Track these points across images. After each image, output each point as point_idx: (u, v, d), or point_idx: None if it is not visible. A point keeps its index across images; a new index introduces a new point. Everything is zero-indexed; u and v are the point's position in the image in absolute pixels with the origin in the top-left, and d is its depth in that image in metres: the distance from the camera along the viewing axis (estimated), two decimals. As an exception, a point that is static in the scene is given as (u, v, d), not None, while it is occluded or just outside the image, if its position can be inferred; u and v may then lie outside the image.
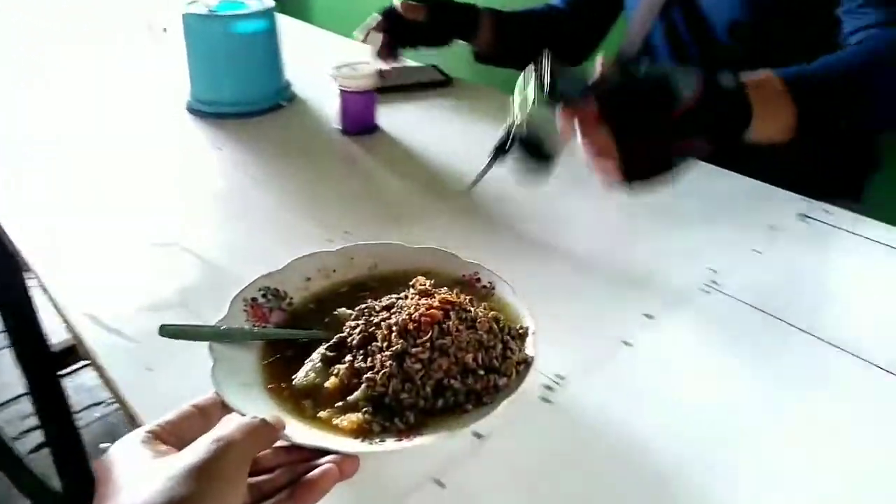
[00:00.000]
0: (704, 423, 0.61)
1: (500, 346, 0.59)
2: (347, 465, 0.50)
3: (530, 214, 0.94)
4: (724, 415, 0.62)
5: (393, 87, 1.39)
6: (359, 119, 1.21)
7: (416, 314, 0.59)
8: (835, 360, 0.67)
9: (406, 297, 0.63)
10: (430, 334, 0.57)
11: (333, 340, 0.62)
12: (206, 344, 0.59)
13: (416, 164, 1.11)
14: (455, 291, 0.64)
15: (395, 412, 0.55)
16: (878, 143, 1.23)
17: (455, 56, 1.45)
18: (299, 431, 0.53)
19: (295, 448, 0.51)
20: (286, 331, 0.64)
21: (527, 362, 0.59)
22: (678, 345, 0.71)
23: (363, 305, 0.64)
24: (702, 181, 0.99)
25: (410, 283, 0.65)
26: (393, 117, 1.25)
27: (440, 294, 0.62)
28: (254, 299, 0.67)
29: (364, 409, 0.55)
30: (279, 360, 0.62)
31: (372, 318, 0.62)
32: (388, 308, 0.63)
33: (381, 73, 1.29)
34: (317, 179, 1.07)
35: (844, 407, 0.63)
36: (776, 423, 0.61)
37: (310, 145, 1.19)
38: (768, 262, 0.84)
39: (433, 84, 1.45)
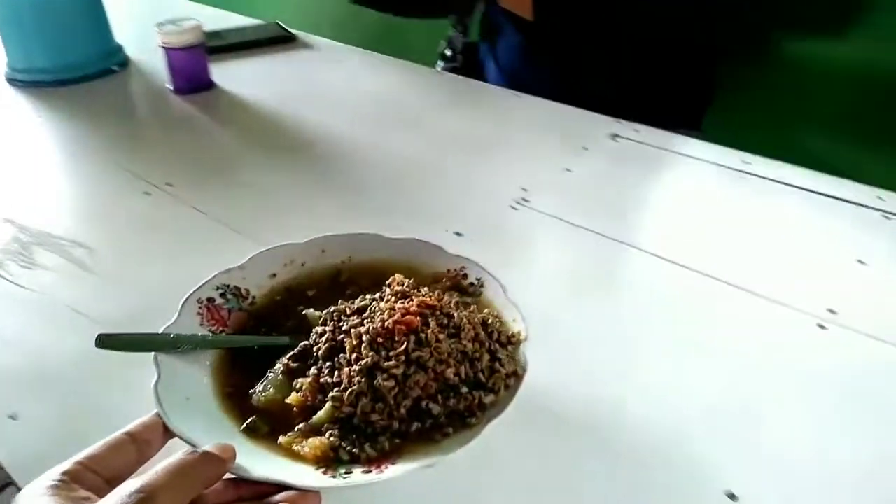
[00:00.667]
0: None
1: (486, 356, 0.52)
2: (309, 501, 0.42)
3: (357, 157, 0.98)
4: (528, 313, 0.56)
5: (231, 46, 1.35)
6: (189, 77, 1.17)
7: (390, 320, 0.51)
8: (641, 262, 0.74)
9: (381, 298, 0.56)
10: (405, 345, 0.50)
11: (298, 349, 0.54)
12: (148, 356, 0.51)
13: (251, 119, 1.10)
14: (437, 292, 0.56)
15: (365, 436, 0.48)
16: (716, 74, 1.28)
17: (303, 13, 1.39)
18: (253, 461, 0.45)
19: (248, 481, 0.44)
20: (244, 337, 0.57)
21: (517, 375, 0.51)
22: (488, 260, 0.67)
23: (333, 308, 0.57)
24: (520, 109, 1.12)
25: (387, 283, 0.57)
26: (231, 75, 1.24)
27: (419, 296, 0.54)
28: (210, 300, 0.59)
29: (329, 433, 0.48)
30: (237, 371, 0.54)
31: (341, 324, 0.54)
32: (359, 312, 0.55)
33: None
34: (144, 139, 1.04)
35: (651, 303, 0.69)
36: (584, 322, 0.66)
37: (141, 108, 1.16)
38: (578, 179, 0.91)
39: (275, 41, 1.40)
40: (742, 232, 0.80)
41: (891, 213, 0.82)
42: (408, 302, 0.53)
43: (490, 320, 0.56)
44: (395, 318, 0.51)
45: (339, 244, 0.66)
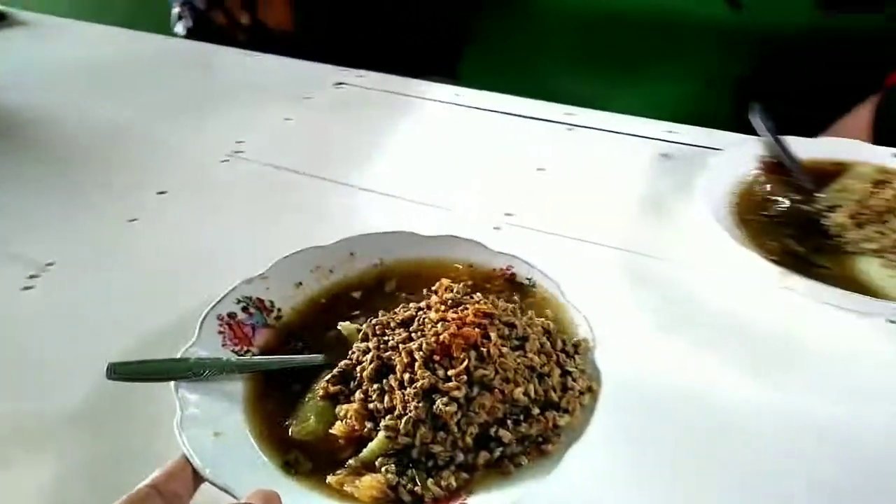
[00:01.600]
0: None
1: (557, 370, 0.45)
2: None
3: (65, 133, 0.93)
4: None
5: None
6: None
7: (446, 334, 0.44)
8: (358, 199, 0.77)
9: (429, 307, 0.49)
10: (465, 362, 0.43)
11: (337, 369, 0.47)
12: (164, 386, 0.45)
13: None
14: (491, 298, 0.50)
15: (426, 471, 0.41)
16: (469, 19, 1.29)
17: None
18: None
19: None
20: (275, 358, 0.50)
21: (591, 390, 0.45)
22: (190, 216, 0.74)
23: (374, 320, 0.50)
24: (247, 67, 1.12)
25: (433, 289, 0.51)
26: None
27: (473, 303, 0.48)
28: (231, 315, 0.52)
29: (385, 468, 0.41)
30: (270, 398, 0.48)
31: (387, 339, 0.48)
32: (405, 324, 0.49)
33: None
34: None
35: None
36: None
37: None
38: (299, 128, 0.92)
39: None
40: (443, 156, 0.86)
41: (576, 125, 0.90)
42: (462, 311, 0.47)
43: (552, 327, 0.50)
44: (451, 330, 0.45)
45: (370, 245, 0.59)
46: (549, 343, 0.47)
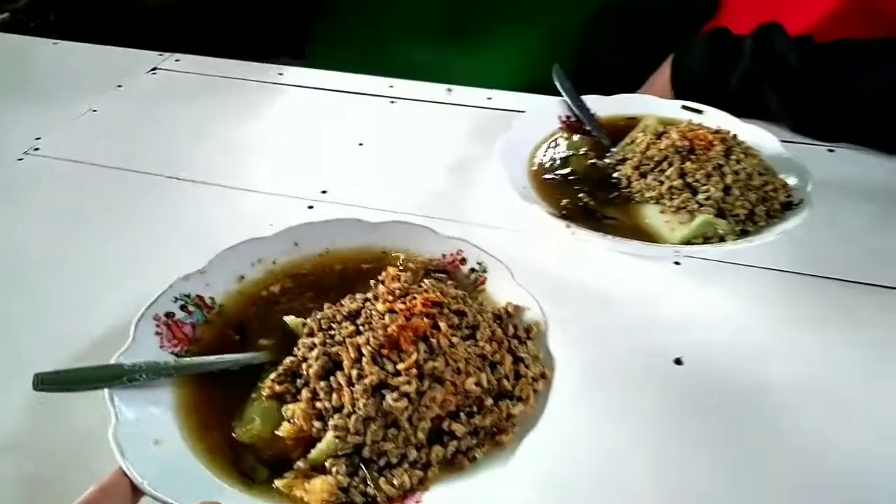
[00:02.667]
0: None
1: (509, 358, 0.44)
2: None
3: None
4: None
5: None
6: None
7: (393, 326, 0.43)
8: (178, 191, 0.74)
9: (375, 298, 0.47)
10: (415, 355, 0.42)
11: (282, 367, 0.45)
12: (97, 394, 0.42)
13: None
14: (440, 286, 0.48)
15: (378, 470, 0.40)
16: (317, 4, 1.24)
17: None
18: None
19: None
20: (214, 358, 0.48)
21: (544, 376, 0.44)
22: None
23: (319, 314, 0.48)
24: (52, 56, 1.04)
25: (380, 278, 0.49)
26: None
27: (421, 292, 0.46)
28: (169, 314, 0.50)
29: (335, 469, 0.40)
30: (212, 400, 0.45)
31: (333, 333, 0.46)
32: (352, 317, 0.47)
33: None
34: None
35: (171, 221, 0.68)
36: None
37: None
38: (105, 119, 0.87)
39: None
40: (261, 138, 0.84)
41: (397, 97, 0.91)
42: (410, 300, 0.45)
43: (502, 312, 0.48)
44: (399, 322, 0.43)
45: (314, 234, 0.57)
46: (500, 330, 0.46)
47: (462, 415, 0.41)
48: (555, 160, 0.72)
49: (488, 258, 0.54)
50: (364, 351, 0.43)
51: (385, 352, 0.42)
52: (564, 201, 0.65)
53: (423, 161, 0.78)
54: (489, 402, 0.42)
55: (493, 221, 0.68)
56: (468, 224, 0.67)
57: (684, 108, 0.77)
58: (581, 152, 0.72)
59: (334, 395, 0.42)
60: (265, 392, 0.44)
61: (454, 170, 0.77)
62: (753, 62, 0.80)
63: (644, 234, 0.62)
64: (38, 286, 0.61)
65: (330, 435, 0.41)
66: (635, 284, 0.61)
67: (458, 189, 0.74)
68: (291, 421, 0.42)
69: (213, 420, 0.44)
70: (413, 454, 0.40)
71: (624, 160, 0.69)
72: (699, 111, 0.76)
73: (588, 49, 1.05)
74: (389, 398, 0.40)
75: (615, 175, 0.69)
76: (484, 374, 0.43)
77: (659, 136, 0.69)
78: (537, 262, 0.62)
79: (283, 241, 0.56)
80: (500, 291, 0.52)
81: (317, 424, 0.42)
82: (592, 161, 0.71)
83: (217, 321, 0.51)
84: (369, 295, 0.48)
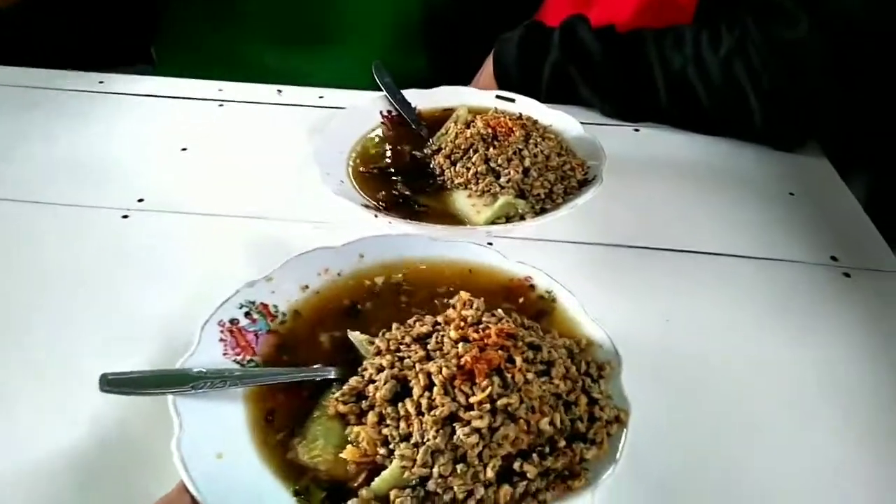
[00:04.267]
0: None
1: (584, 398, 0.43)
2: None
3: None
4: None
5: None
6: None
7: (468, 357, 0.41)
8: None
9: (446, 322, 0.46)
10: (488, 389, 0.40)
11: (348, 386, 0.44)
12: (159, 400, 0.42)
13: None
14: (514, 316, 0.47)
15: (443, 505, 0.39)
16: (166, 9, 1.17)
17: None
18: None
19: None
20: (284, 370, 0.47)
21: (619, 420, 0.42)
22: None
23: (387, 334, 0.47)
24: None
25: (451, 303, 0.48)
26: None
27: (495, 322, 0.45)
28: (234, 321, 0.49)
29: (400, 502, 0.38)
30: (276, 414, 0.44)
31: (402, 356, 0.45)
32: (421, 341, 0.46)
33: None
34: None
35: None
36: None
37: None
38: None
39: None
40: (79, 150, 0.79)
41: (226, 100, 0.89)
42: (483, 330, 0.44)
43: (575, 348, 0.47)
44: (473, 353, 0.42)
45: (380, 248, 0.56)
46: (574, 367, 0.44)
47: (534, 455, 0.40)
48: (374, 154, 0.74)
49: (558, 287, 0.52)
50: (435, 380, 0.41)
51: (457, 383, 0.41)
52: (381, 193, 0.67)
53: (248, 163, 0.78)
54: (562, 443, 0.41)
55: (314, 217, 0.68)
56: (282, 221, 0.68)
57: (498, 97, 0.82)
58: (401, 145, 0.76)
59: (402, 423, 0.41)
60: (329, 410, 0.43)
61: (280, 169, 0.76)
62: (561, 53, 0.87)
63: (454, 219, 0.65)
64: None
65: (396, 464, 0.39)
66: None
67: (282, 188, 0.73)
68: (356, 444, 0.41)
69: (277, 436, 0.43)
70: (480, 492, 0.39)
71: (438, 150, 0.72)
72: (511, 100, 0.81)
73: (431, 41, 1.09)
74: (460, 432, 0.39)
75: (431, 165, 0.71)
76: (558, 414, 0.41)
77: (468, 125, 0.72)
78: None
79: (350, 252, 0.55)
80: (569, 323, 0.50)
81: (382, 451, 0.41)
82: (410, 153, 0.74)
83: (280, 330, 0.50)
84: (440, 319, 0.47)
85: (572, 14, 0.90)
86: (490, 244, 0.58)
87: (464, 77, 0.93)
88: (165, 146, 0.81)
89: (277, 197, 0.72)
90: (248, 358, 0.48)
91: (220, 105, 0.89)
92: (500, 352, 0.42)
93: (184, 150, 0.80)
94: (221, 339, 0.47)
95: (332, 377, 0.46)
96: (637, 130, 0.87)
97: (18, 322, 0.57)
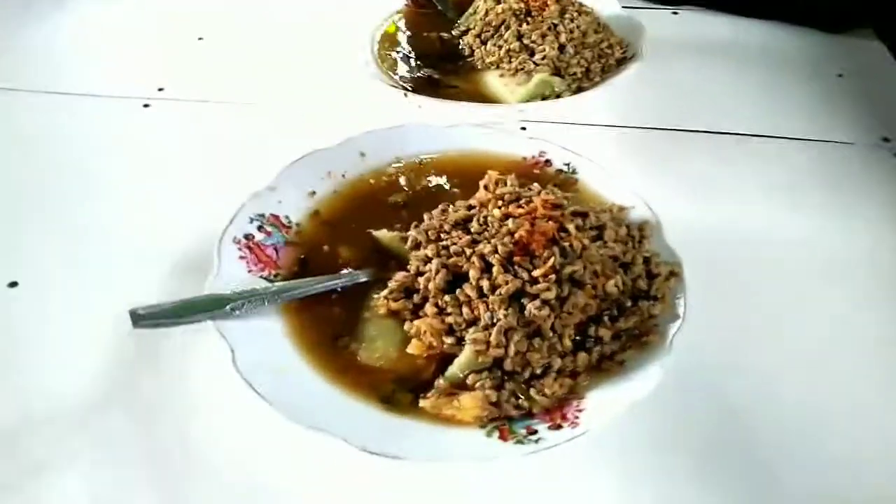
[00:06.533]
0: None
1: (639, 258, 0.42)
2: None
3: None
4: None
5: None
6: None
7: (521, 231, 0.40)
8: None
9: (482, 204, 0.44)
10: (551, 259, 0.39)
11: (395, 283, 0.42)
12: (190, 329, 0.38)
13: None
14: (549, 187, 0.45)
15: (524, 382, 0.38)
16: None
17: None
18: (409, 443, 0.35)
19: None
20: (318, 279, 0.44)
21: (674, 273, 0.42)
22: None
23: (422, 225, 0.45)
24: None
25: (483, 183, 0.46)
26: None
27: (536, 194, 0.43)
28: (248, 236, 0.45)
29: (481, 384, 0.37)
30: (318, 324, 0.42)
31: (445, 244, 0.42)
32: (462, 225, 0.43)
33: None
34: None
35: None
36: None
37: None
38: None
39: None
40: (91, 38, 0.75)
41: None
42: (527, 204, 0.42)
43: (623, 214, 0.46)
44: (526, 227, 0.40)
45: (380, 142, 0.53)
46: (625, 230, 0.44)
47: (604, 318, 0.39)
48: (401, 36, 0.71)
49: (576, 158, 0.51)
50: (492, 260, 0.40)
51: (516, 259, 0.39)
52: (409, 74, 0.64)
53: (267, 49, 0.73)
54: (628, 303, 0.40)
55: (340, 100, 0.64)
56: (311, 105, 0.64)
57: None
58: (428, 26, 0.72)
59: (464, 309, 0.39)
60: (380, 310, 0.41)
61: (300, 54, 0.71)
62: None
63: (486, 99, 0.62)
64: None
65: (468, 349, 0.38)
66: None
67: (303, 73, 0.69)
68: (421, 337, 0.39)
69: (329, 344, 0.40)
70: (558, 363, 0.38)
71: (468, 31, 0.69)
72: None
73: None
74: (531, 307, 0.38)
75: (460, 46, 0.68)
76: (618, 276, 0.41)
77: (499, 1, 0.68)
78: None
79: (348, 151, 0.52)
80: (597, 192, 0.49)
81: (448, 340, 0.39)
82: (439, 34, 0.71)
83: (297, 241, 0.47)
84: (473, 202, 0.45)
85: None
86: (523, 128, 0.55)
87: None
88: (181, 35, 0.76)
89: (300, 82, 0.67)
90: (273, 272, 0.44)
91: None
92: (550, 223, 0.40)
93: (200, 39, 0.75)
94: (241, 257, 0.44)
95: (366, 279, 0.44)
96: (676, 13, 0.81)
97: (34, 218, 0.53)
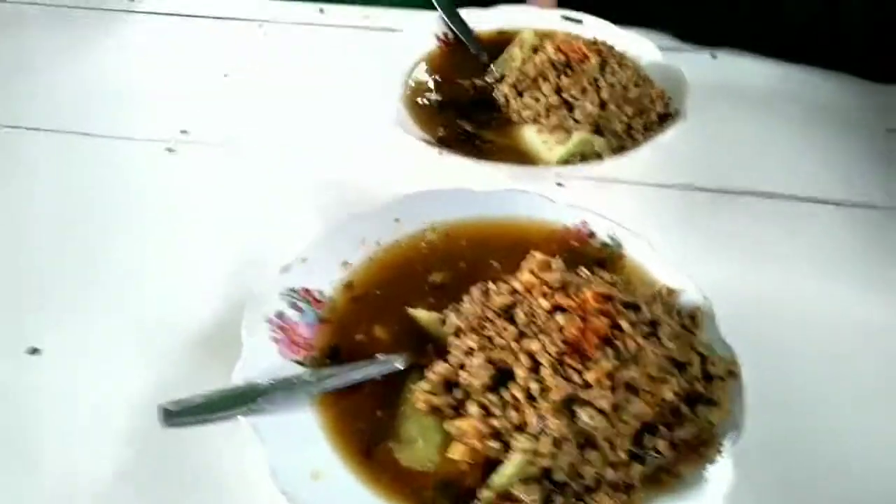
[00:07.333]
0: None
1: (696, 357, 0.40)
2: None
3: None
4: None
5: None
6: None
7: (572, 329, 0.37)
8: (30, 142, 0.64)
9: (527, 290, 0.42)
10: (604, 362, 0.37)
11: (436, 375, 0.40)
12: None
13: None
14: (598, 274, 0.43)
15: (575, 494, 0.36)
16: None
17: None
18: None
19: None
20: (354, 367, 0.41)
21: (732, 373, 0.40)
22: None
23: (461, 309, 0.42)
24: None
25: (530, 268, 0.43)
26: None
27: (585, 283, 0.41)
28: (280, 315, 0.43)
29: (529, 497, 0.35)
30: (353, 417, 0.40)
31: (488, 334, 0.40)
32: (506, 313, 0.41)
33: None
34: None
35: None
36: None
37: None
38: None
39: None
40: (114, 76, 0.73)
41: (267, 20, 0.81)
42: (577, 294, 0.40)
43: (660, 299, 0.44)
44: (577, 324, 0.38)
45: (416, 207, 0.51)
46: (675, 322, 0.41)
47: (661, 427, 0.37)
48: (431, 82, 0.68)
49: (621, 230, 0.49)
50: (542, 360, 0.37)
51: (567, 360, 0.37)
52: (440, 126, 0.61)
53: (295, 90, 0.71)
54: (684, 409, 0.38)
55: (367, 150, 0.62)
56: (339, 153, 0.63)
57: (564, 18, 0.74)
58: (460, 72, 0.69)
59: (511, 412, 0.37)
60: (420, 405, 0.39)
61: (329, 97, 0.69)
62: None
63: (523, 156, 0.59)
64: None
65: (517, 458, 0.36)
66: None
67: (333, 117, 0.67)
68: (464, 440, 0.37)
69: (366, 442, 0.38)
70: (611, 474, 0.36)
71: (502, 78, 0.66)
72: (578, 21, 0.73)
73: None
74: (584, 415, 0.36)
75: (494, 95, 0.65)
76: (675, 379, 0.38)
77: (535, 50, 0.66)
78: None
79: (383, 217, 0.50)
80: (641, 271, 0.47)
81: (494, 444, 0.37)
82: (470, 81, 0.67)
83: (329, 317, 0.45)
84: (515, 285, 0.43)
85: None
86: (560, 185, 0.53)
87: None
88: (206, 72, 0.73)
89: (329, 127, 0.66)
90: (306, 355, 0.42)
91: (260, 26, 0.81)
92: (602, 319, 0.38)
93: (225, 76, 0.73)
94: (274, 338, 0.42)
95: (403, 367, 0.42)
96: (714, 57, 0.77)
97: (55, 274, 0.51)
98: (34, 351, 0.46)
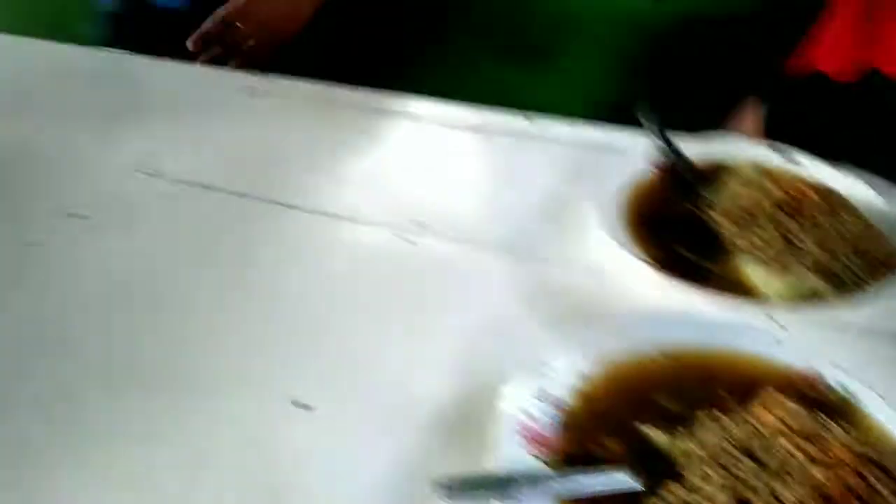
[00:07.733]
0: None
1: (948, 530, 0.40)
2: None
3: None
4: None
5: None
6: None
7: (830, 485, 0.39)
8: (305, 222, 0.73)
9: (762, 424, 0.44)
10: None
11: (673, 495, 0.42)
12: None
13: None
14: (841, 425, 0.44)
15: None
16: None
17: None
18: None
19: None
20: (595, 476, 0.45)
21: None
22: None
23: (698, 435, 0.45)
24: (160, 77, 1.02)
25: (769, 408, 0.45)
26: None
27: (836, 438, 0.42)
28: (527, 412, 0.48)
29: None
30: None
31: (724, 462, 0.42)
32: (747, 452, 0.43)
33: None
34: None
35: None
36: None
37: None
38: (212, 141, 0.85)
39: None
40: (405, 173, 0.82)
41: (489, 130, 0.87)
42: (823, 444, 0.41)
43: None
44: (831, 478, 0.39)
45: (648, 328, 0.55)
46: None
47: None
48: (648, 204, 0.70)
49: (852, 382, 0.49)
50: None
51: (825, 512, 0.38)
52: (657, 251, 0.63)
53: (511, 197, 0.76)
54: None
55: (582, 266, 0.65)
56: (556, 265, 0.66)
57: (773, 149, 0.76)
58: (676, 197, 0.72)
59: (756, 552, 0.39)
60: (658, 529, 0.41)
61: (542, 206, 0.74)
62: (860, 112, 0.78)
63: (738, 287, 0.60)
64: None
65: None
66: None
67: (546, 227, 0.71)
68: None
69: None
70: None
71: (719, 208, 0.67)
72: (788, 154, 0.75)
73: (658, 69, 1.03)
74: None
75: (711, 224, 0.66)
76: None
77: (755, 186, 0.67)
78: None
79: (617, 336, 0.54)
80: (878, 424, 0.47)
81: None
82: (687, 207, 0.70)
83: (568, 423, 0.49)
84: (752, 420, 0.45)
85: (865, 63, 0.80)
86: (782, 326, 0.55)
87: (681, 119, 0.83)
88: (437, 171, 0.82)
89: (545, 238, 0.70)
90: (549, 455, 0.46)
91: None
92: (859, 479, 0.39)
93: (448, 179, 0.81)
94: (521, 434, 0.46)
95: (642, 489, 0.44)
96: None
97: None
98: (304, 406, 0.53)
